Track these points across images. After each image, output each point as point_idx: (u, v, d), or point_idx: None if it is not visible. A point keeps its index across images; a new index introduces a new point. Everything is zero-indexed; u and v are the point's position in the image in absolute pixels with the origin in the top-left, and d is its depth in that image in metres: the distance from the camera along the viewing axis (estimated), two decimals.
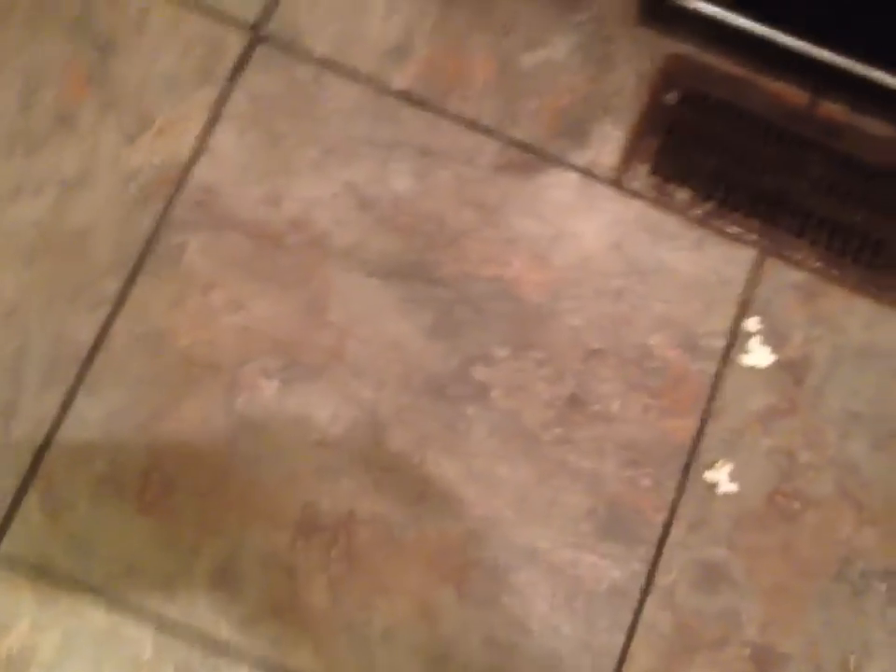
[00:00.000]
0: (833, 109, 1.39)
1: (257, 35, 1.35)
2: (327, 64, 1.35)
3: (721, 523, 1.25)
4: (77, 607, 1.17)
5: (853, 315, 1.33)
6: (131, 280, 1.26)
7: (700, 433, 1.27)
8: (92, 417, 1.22)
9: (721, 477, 1.26)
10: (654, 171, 1.37)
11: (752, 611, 1.22)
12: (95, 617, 1.17)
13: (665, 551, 1.23)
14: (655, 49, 1.40)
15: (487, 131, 1.35)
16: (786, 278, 1.34)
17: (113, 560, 1.18)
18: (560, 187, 1.34)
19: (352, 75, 1.35)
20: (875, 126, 1.39)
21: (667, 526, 1.24)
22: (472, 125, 1.35)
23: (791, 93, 1.40)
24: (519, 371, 1.27)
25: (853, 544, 1.25)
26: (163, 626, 1.17)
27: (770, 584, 1.23)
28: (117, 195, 1.29)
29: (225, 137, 1.31)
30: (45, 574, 1.18)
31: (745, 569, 1.23)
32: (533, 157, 1.35)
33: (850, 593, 1.24)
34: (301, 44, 1.36)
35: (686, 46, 1.40)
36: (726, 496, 1.25)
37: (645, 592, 1.22)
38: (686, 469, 1.25)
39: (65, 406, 1.22)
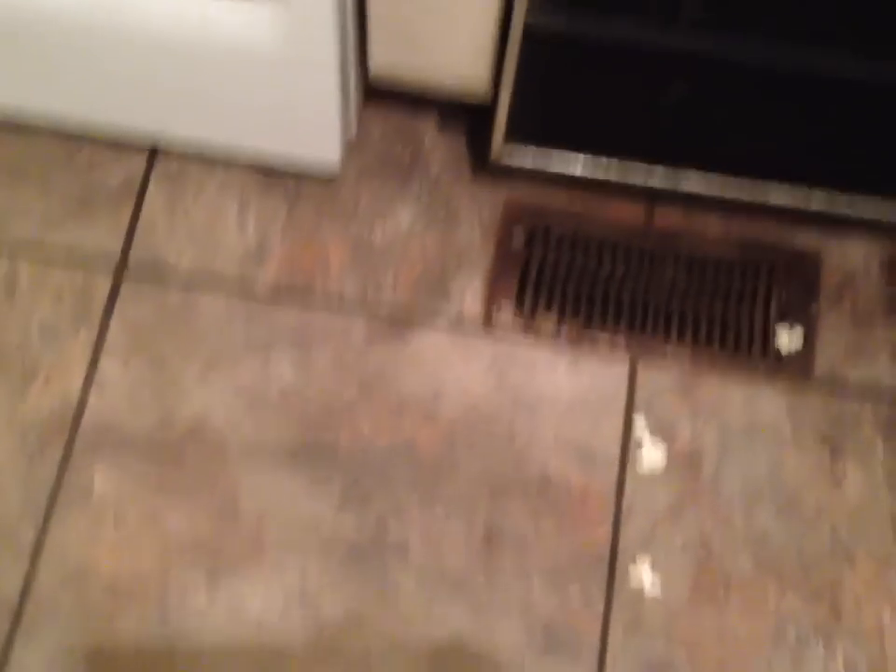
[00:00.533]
0: (668, 218, 1.67)
1: (121, 271, 1.60)
2: (193, 283, 1.59)
3: (654, 620, 1.44)
4: None
5: (730, 398, 1.56)
6: (45, 525, 1.46)
7: (615, 540, 1.47)
8: (33, 665, 1.40)
9: (646, 575, 1.47)
10: (518, 308, 1.63)
11: None
12: None
13: (608, 658, 1.42)
14: (493, 198, 1.66)
15: (353, 310, 1.60)
16: (661, 379, 1.57)
17: None
18: (433, 345, 1.58)
19: (218, 285, 1.60)
20: (707, 225, 1.67)
21: (604, 635, 1.43)
22: (338, 308, 1.59)
23: (627, 213, 1.67)
24: (432, 524, 1.48)
25: (781, 612, 1.45)
26: None
27: (714, 668, 1.43)
28: (17, 449, 1.50)
29: (111, 371, 1.53)
30: None
31: (686, 659, 1.42)
32: (402, 324, 1.60)
33: (791, 659, 1.43)
34: (166, 268, 1.60)
35: (521, 192, 1.67)
36: (653, 592, 1.45)
37: None
38: (610, 575, 1.46)
39: (3, 658, 1.40)
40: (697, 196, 1.55)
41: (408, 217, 1.61)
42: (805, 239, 1.62)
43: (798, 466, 1.50)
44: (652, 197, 1.60)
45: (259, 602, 1.39)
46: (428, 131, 1.67)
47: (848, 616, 1.42)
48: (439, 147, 1.66)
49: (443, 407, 1.50)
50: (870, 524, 1.47)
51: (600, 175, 1.55)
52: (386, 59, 1.48)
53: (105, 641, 1.37)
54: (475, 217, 1.61)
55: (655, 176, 1.54)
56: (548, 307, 1.58)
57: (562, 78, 1.43)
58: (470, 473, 1.47)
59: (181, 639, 1.37)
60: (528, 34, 1.32)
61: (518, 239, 1.62)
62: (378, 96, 1.63)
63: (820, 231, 1.61)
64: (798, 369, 1.56)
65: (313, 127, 1.51)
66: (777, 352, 1.57)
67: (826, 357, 1.55)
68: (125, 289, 1.55)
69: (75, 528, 1.42)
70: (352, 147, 1.64)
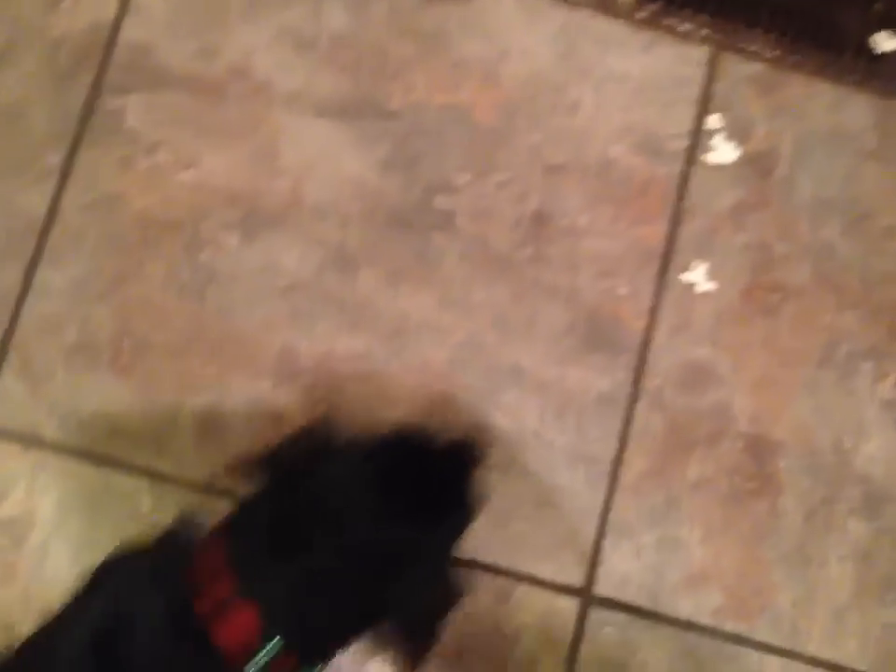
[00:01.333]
0: None
1: None
2: None
3: (702, 322, 1.38)
4: (69, 469, 1.30)
5: (815, 100, 1.44)
6: (74, 150, 1.36)
7: (672, 237, 1.39)
8: (56, 287, 1.33)
9: (698, 278, 1.39)
10: None
11: (742, 405, 1.36)
12: (88, 477, 1.30)
13: (650, 356, 1.36)
14: None
15: None
16: (743, 71, 1.45)
17: (97, 423, 1.31)
18: (499, 3, 1.45)
19: None
20: None
21: (649, 331, 1.37)
22: None
23: None
24: (482, 196, 1.39)
25: (835, 328, 1.39)
26: (156, 479, 1.31)
27: (757, 377, 1.37)
28: (46, 66, 1.39)
29: None
30: (34, 442, 1.31)
31: (730, 365, 1.37)
32: None
33: (837, 376, 1.37)
34: None
35: None
36: (704, 295, 1.38)
37: (634, 397, 1.35)
38: (661, 273, 1.38)
39: (28, 278, 1.34)
40: None
41: None
42: None
43: (877, 182, 1.40)
44: None
45: (293, 257, 1.32)
46: None
47: None
48: None
49: (505, 72, 1.39)
50: None
51: None
52: None
53: (130, 276, 1.31)
54: None
55: None
56: None
57: None
58: (527, 145, 1.37)
59: (211, 284, 1.31)
60: None
61: None
62: None
63: None
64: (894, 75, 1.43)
65: None
66: (873, 52, 1.43)
67: None
68: None
69: (105, 157, 1.34)
70: None
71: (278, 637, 0.87)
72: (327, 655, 0.95)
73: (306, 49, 1.37)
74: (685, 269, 1.34)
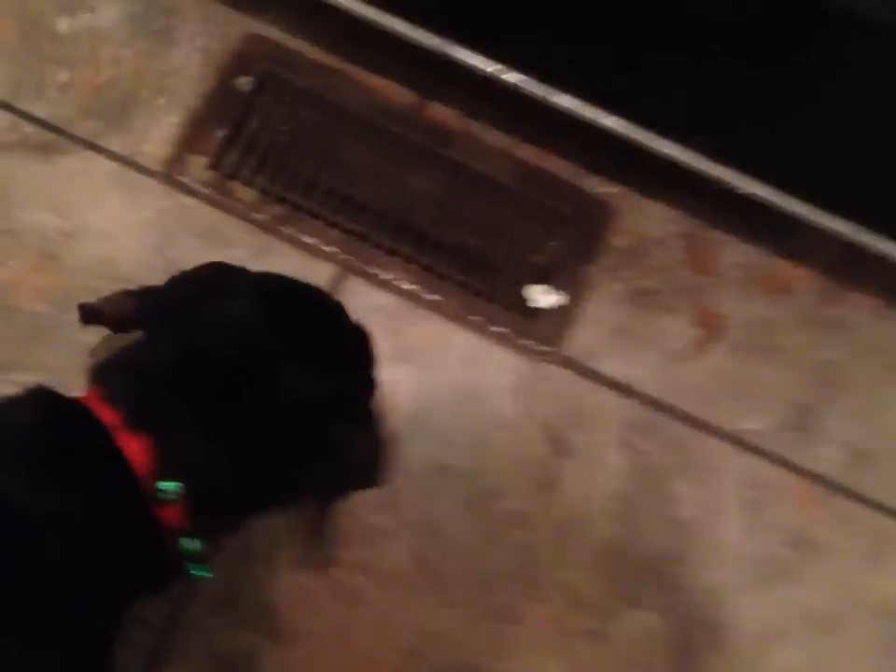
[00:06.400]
0: (443, 113, 1.31)
1: None
2: None
3: None
4: None
5: (450, 349, 1.22)
6: None
7: None
8: None
9: None
10: (215, 165, 1.24)
11: None
12: None
13: None
14: (230, 26, 1.29)
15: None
16: (370, 301, 1.22)
17: None
18: (88, 175, 1.19)
19: None
20: (489, 135, 1.31)
21: None
22: None
23: (397, 92, 1.31)
24: None
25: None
26: None
27: None
28: None
29: None
30: None
31: None
32: (56, 137, 1.21)
33: None
34: None
35: (270, 27, 1.30)
36: None
37: None
38: None
39: None
40: (482, 88, 1.19)
41: (111, 15, 1.23)
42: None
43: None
44: (434, 80, 1.25)
45: None
46: None
47: None
48: None
49: (72, 252, 1.12)
50: None
51: (370, 16, 1.18)
52: None
53: None
54: (199, 42, 1.24)
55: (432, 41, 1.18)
56: (255, 176, 1.21)
57: None
58: (73, 343, 1.08)
59: None
60: None
61: (246, 83, 1.25)
62: None
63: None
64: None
65: None
66: (527, 305, 1.21)
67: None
68: None
69: None
70: None
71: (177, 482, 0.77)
72: (220, 527, 0.84)
73: None
74: None
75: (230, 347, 0.82)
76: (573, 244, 1.26)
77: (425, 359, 1.18)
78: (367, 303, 1.18)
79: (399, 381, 1.15)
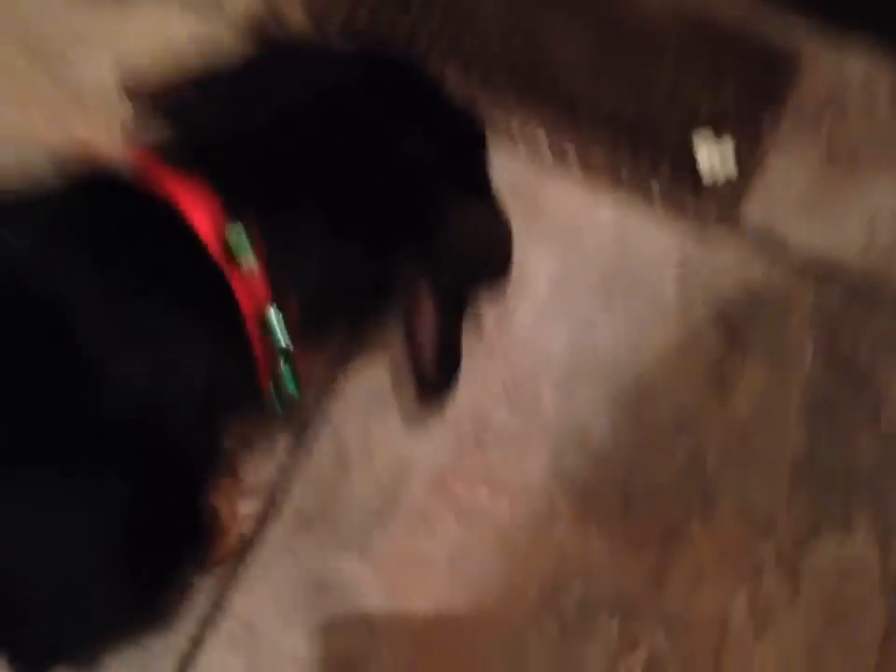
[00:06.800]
0: None
1: None
2: None
3: None
4: None
5: (600, 225, 1.00)
6: None
7: None
8: None
9: None
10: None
11: None
12: None
13: None
14: None
15: None
16: (504, 169, 1.01)
17: None
18: None
19: None
20: None
21: None
22: None
23: None
24: None
25: None
26: None
27: None
28: None
29: None
30: None
31: None
32: None
33: None
34: None
35: None
36: None
37: None
38: None
39: None
40: None
41: None
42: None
43: None
44: None
45: None
46: None
47: None
48: None
49: None
50: None
51: None
52: None
53: None
54: None
55: None
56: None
57: None
58: None
59: None
60: None
61: None
62: None
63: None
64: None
65: None
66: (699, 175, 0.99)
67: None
68: None
69: None
70: None
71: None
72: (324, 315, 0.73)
73: None
74: None
75: (324, 112, 0.71)
76: (751, 97, 1.03)
77: (570, 237, 0.96)
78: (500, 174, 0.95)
79: (541, 260, 0.94)
